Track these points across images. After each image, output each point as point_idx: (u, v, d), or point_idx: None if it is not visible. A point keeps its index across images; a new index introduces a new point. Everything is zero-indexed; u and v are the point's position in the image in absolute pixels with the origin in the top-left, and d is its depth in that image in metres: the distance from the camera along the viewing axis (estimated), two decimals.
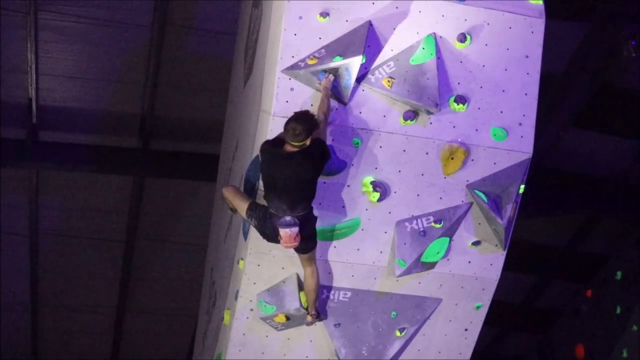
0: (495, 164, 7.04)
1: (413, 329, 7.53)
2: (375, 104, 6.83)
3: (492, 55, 6.97)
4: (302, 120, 6.41)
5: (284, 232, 6.53)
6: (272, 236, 6.68)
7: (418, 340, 7.63)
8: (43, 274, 13.67)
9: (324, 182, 6.90)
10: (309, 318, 7.31)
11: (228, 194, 7.08)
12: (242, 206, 6.84)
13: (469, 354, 7.83)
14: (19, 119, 11.59)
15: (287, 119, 6.46)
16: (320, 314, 7.34)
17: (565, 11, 10.87)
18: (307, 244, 6.78)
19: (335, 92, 6.73)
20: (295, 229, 6.51)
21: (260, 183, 6.81)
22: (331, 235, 7.06)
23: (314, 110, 6.65)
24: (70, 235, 13.14)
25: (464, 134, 6.94)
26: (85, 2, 10.76)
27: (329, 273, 7.26)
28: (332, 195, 6.95)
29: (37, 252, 13.24)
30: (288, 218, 6.52)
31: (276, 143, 6.54)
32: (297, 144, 6.40)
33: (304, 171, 6.44)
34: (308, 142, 6.43)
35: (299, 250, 6.85)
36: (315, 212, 6.79)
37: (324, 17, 6.75)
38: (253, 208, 6.72)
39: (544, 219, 13.63)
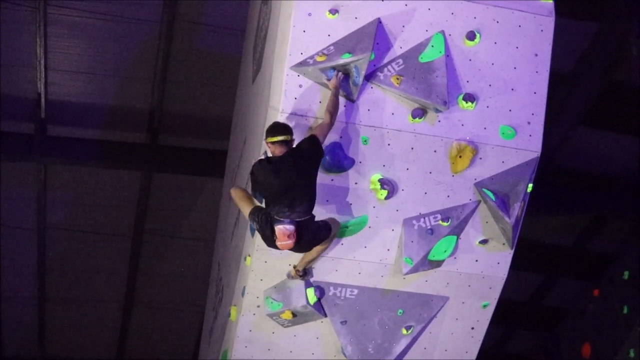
0: (503, 162, 7.03)
1: (419, 327, 7.52)
2: (384, 101, 6.83)
3: (501, 54, 6.96)
4: (276, 122, 6.61)
5: (278, 228, 6.52)
6: (270, 238, 6.66)
7: (424, 338, 7.62)
8: (50, 269, 13.69)
9: (332, 180, 6.90)
10: (292, 272, 7.23)
11: (235, 195, 7.12)
12: (245, 209, 6.91)
13: (475, 353, 7.83)
14: (27, 113, 11.61)
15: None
16: (306, 275, 7.24)
17: (574, 10, 10.84)
18: (307, 245, 6.75)
19: (344, 89, 6.73)
20: (291, 227, 6.49)
21: None
22: (338, 232, 7.05)
23: (322, 107, 6.66)
24: (78, 230, 13.15)
25: (472, 132, 6.93)
26: None
27: (336, 270, 7.26)
28: (340, 193, 6.95)
29: (45, 246, 13.26)
30: (286, 220, 6.52)
31: (263, 159, 6.64)
32: (281, 138, 6.48)
33: (296, 172, 6.46)
34: (292, 138, 6.53)
35: (296, 249, 6.78)
36: (324, 217, 6.82)
37: (333, 14, 6.75)
38: (255, 212, 6.76)
39: (551, 218, 13.61)
